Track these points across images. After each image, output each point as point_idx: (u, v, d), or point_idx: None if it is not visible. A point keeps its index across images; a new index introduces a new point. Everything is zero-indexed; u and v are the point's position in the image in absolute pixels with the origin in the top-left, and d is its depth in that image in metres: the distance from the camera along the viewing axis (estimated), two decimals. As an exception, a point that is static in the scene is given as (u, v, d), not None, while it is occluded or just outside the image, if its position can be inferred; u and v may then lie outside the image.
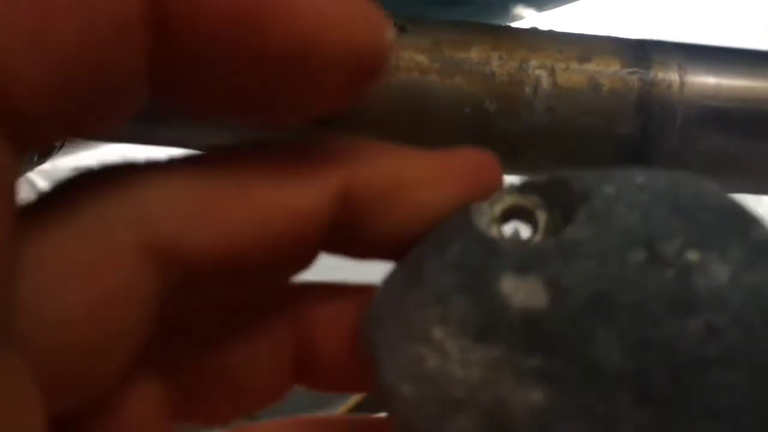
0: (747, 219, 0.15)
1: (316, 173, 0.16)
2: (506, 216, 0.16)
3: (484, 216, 0.16)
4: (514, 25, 0.24)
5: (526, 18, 1.02)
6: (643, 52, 0.23)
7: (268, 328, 0.19)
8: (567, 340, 0.14)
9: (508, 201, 0.16)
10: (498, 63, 0.22)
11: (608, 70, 0.22)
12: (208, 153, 0.16)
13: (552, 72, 0.22)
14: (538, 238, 0.16)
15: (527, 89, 0.22)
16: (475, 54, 0.22)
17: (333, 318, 0.19)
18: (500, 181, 0.17)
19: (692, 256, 0.14)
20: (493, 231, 0.16)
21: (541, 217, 0.16)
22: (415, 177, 0.17)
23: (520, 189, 0.16)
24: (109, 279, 0.14)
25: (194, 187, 0.15)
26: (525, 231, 0.16)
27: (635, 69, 0.22)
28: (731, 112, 0.23)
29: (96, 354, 0.14)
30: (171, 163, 0.16)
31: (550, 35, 0.23)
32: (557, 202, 0.16)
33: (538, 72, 0.22)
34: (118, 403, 0.17)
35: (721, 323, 0.13)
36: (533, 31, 0.23)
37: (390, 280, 0.17)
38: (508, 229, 0.16)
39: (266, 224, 0.15)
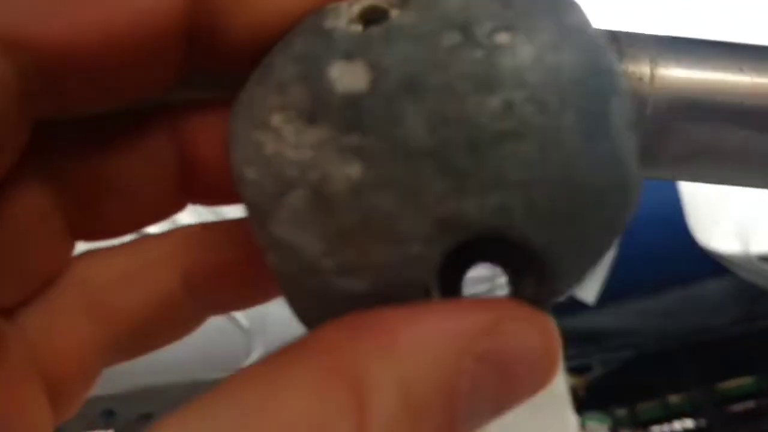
0: (566, 5, 0.17)
1: None
2: (366, 17, 0.17)
3: (342, 17, 0.17)
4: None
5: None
6: (616, 44, 0.24)
7: (150, 142, 0.20)
8: (380, 118, 0.15)
9: (366, 1, 0.17)
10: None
11: (581, 63, 0.23)
12: None
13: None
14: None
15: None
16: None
17: (212, 131, 0.20)
18: None
19: (501, 37, 0.15)
20: (351, 30, 0.17)
21: (395, 15, 0.17)
22: None
23: None
24: None
25: None
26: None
27: (608, 62, 0.23)
28: (700, 104, 0.24)
29: None
30: None
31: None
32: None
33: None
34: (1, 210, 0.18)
35: (517, 99, 0.15)
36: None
37: (248, 79, 0.18)
38: None
39: (114, 16, 0.17)
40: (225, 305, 0.23)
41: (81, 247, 0.22)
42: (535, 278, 0.17)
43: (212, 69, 0.19)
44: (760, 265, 2.30)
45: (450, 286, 0.17)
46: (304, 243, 0.16)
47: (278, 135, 0.16)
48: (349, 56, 0.16)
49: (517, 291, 0.17)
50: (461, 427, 0.14)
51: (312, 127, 0.16)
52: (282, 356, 0.14)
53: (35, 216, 0.19)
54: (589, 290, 2.52)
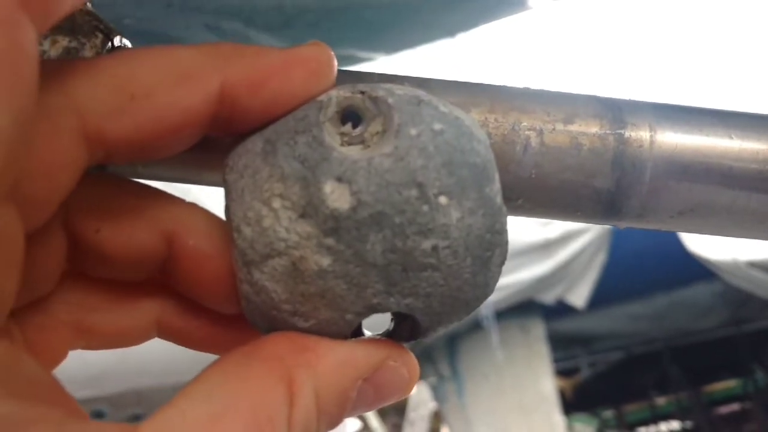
0: (489, 178, 0.23)
1: (201, 76, 0.22)
2: (346, 111, 0.23)
3: (331, 107, 0.23)
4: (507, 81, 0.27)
5: (539, 8, 1.03)
6: (619, 113, 0.26)
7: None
8: (352, 234, 0.22)
9: (347, 101, 0.23)
10: (494, 125, 0.25)
11: (589, 132, 0.26)
12: (127, 54, 0.22)
13: (540, 133, 0.25)
14: (365, 133, 0.23)
15: (518, 148, 0.25)
16: (474, 116, 0.25)
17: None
18: (334, 71, 0.24)
19: (442, 200, 0.22)
20: (334, 123, 0.23)
21: (370, 119, 0.23)
22: (272, 72, 0.23)
23: (362, 93, 0.23)
24: (56, 146, 0.20)
25: (113, 88, 0.21)
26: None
27: (612, 131, 0.26)
28: (694, 166, 0.26)
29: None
30: (99, 62, 0.22)
31: (541, 97, 0.26)
32: (385, 114, 0.23)
33: (528, 133, 0.25)
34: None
35: (442, 246, 0.22)
36: (525, 93, 0.27)
37: (251, 144, 0.23)
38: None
39: (165, 119, 0.22)
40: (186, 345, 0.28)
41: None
42: (410, 328, 0.25)
43: (221, 134, 0.24)
44: (749, 271, 2.34)
45: (357, 328, 0.25)
46: (274, 290, 0.23)
47: (276, 216, 0.22)
48: (340, 180, 0.22)
49: (396, 329, 0.25)
50: (346, 416, 0.23)
51: (302, 220, 0.22)
52: (244, 358, 0.22)
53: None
54: (579, 294, 2.56)
